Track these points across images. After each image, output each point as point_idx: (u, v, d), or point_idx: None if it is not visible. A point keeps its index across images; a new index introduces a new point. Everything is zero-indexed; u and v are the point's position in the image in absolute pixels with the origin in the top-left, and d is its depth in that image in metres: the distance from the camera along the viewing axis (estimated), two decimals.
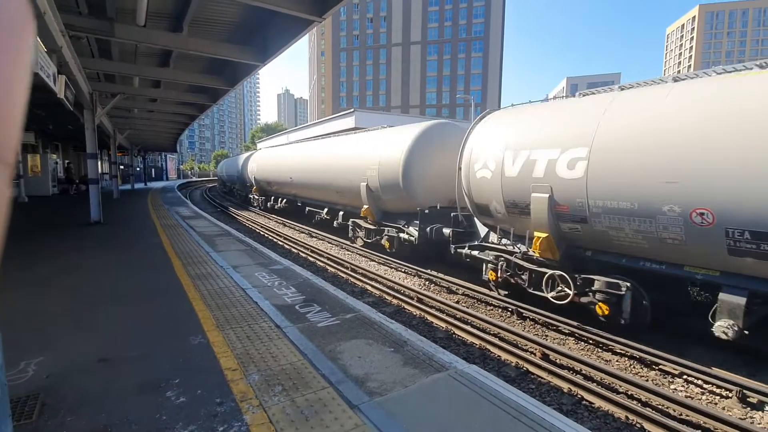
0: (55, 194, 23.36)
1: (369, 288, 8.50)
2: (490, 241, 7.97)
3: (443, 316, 6.76)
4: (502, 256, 7.43)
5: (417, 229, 9.48)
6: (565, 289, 6.32)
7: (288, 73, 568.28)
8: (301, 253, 11.94)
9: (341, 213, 13.51)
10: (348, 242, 12.97)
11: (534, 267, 6.81)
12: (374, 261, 10.91)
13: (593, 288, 5.96)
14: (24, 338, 3.87)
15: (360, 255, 11.66)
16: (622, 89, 6.09)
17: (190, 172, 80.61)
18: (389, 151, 10.35)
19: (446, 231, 8.96)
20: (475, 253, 8.01)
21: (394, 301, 7.70)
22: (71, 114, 12.06)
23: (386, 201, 10.67)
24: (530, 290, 6.92)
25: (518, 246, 7.10)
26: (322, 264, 10.62)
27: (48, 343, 3.81)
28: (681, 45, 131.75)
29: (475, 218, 8.41)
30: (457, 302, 7.71)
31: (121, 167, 33.69)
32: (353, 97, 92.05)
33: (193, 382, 3.13)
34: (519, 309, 6.99)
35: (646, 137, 5.11)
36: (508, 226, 7.38)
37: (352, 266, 10.07)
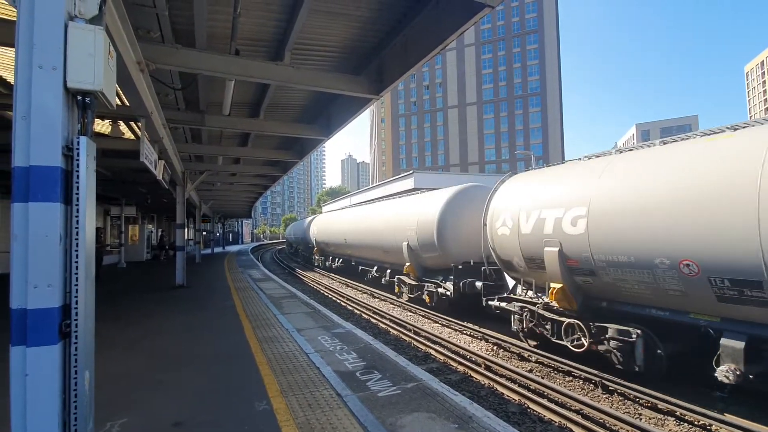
0: (148, 259, 26.24)
1: (433, 353, 8.15)
2: (516, 293, 8.41)
3: (515, 386, 6.20)
4: (526, 307, 7.81)
5: (452, 283, 10.27)
6: (581, 337, 6.60)
7: (351, 137, 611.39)
8: (363, 315, 11.93)
9: (388, 270, 14.52)
10: (394, 297, 13.82)
11: (554, 316, 7.11)
12: (437, 323, 10.55)
13: (607, 336, 6.24)
14: (112, 399, 4.21)
15: (422, 317, 11.36)
16: (620, 152, 6.76)
17: (262, 236, 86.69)
18: (425, 212, 11.45)
19: (478, 284, 9.70)
20: (503, 304, 8.47)
21: (460, 368, 7.26)
22: (166, 190, 13.89)
23: (425, 258, 11.70)
24: (553, 339, 7.15)
25: (541, 297, 7.50)
26: (384, 326, 10.48)
27: (131, 405, 4.10)
28: (764, 82, 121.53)
29: (504, 272, 8.92)
30: (530, 371, 7.06)
31: (204, 233, 37.29)
32: (412, 158, 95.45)
33: None
34: (604, 381, 6.22)
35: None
36: (530, 278, 7.81)
37: (415, 328, 9.81)
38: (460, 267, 10.24)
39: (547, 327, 7.26)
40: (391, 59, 7.56)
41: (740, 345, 4.71)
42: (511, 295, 8.41)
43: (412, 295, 12.49)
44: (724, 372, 4.75)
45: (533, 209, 7.29)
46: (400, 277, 13.14)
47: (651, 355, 5.78)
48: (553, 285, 6.87)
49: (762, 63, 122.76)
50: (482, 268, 9.52)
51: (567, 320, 6.86)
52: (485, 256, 9.24)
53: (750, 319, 4.75)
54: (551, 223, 6.80)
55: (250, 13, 6.22)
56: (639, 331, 5.81)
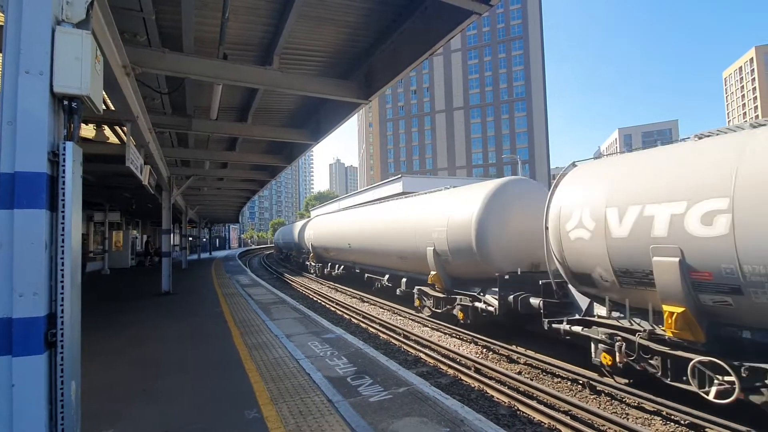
0: (132, 266, 25.72)
1: (422, 356, 8.16)
2: (595, 314, 6.62)
3: (505, 389, 6.25)
4: (618, 335, 5.98)
5: (496, 297, 8.44)
6: (724, 381, 4.73)
7: (339, 142, 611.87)
8: (353, 320, 11.89)
9: (404, 280, 12.53)
10: (413, 311, 11.77)
11: (668, 350, 5.33)
12: (427, 327, 10.57)
13: None
14: (98, 409, 4.12)
15: (411, 320, 11.37)
16: (754, 127, 5.14)
17: (249, 241, 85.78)
18: (460, 210, 9.66)
19: (535, 301, 7.74)
20: (576, 328, 6.66)
21: (450, 372, 7.29)
22: (152, 195, 13.66)
23: (457, 266, 9.90)
24: (666, 381, 5.35)
25: (638, 322, 5.83)
26: (374, 330, 10.46)
27: (119, 415, 4.02)
28: (742, 87, 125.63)
29: (570, 286, 7.16)
30: (519, 373, 7.14)
31: (190, 239, 36.73)
32: (400, 163, 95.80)
33: None
34: (591, 382, 6.32)
35: None
36: (618, 296, 6.09)
37: (405, 332, 9.82)
38: (506, 277, 8.34)
39: (655, 363, 5.55)
40: (380, 64, 7.62)
41: None
42: (590, 318, 6.63)
43: (438, 310, 10.60)
44: None
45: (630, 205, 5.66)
46: (423, 288, 11.26)
47: None
48: (669, 308, 5.21)
49: (740, 69, 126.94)
50: (541, 281, 7.74)
51: (695, 357, 5.03)
52: (549, 267, 7.36)
53: None
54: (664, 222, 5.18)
55: (238, 18, 6.20)
56: None
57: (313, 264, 23.16)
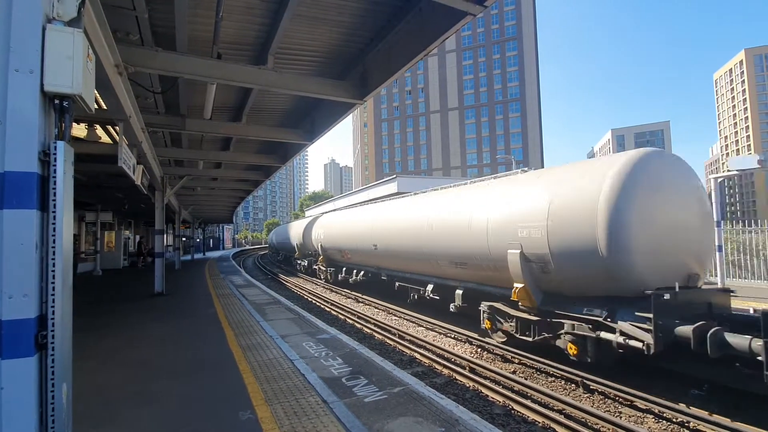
0: (125, 267, 25.48)
1: (417, 356, 8.17)
2: None
3: (499, 388, 6.27)
4: None
5: (648, 327, 5.34)
6: None
7: (334, 142, 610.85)
8: (347, 320, 11.87)
9: (459, 292, 9.55)
10: (477, 332, 8.92)
11: None
12: (422, 327, 10.58)
13: None
14: (91, 412, 4.07)
15: (408, 321, 11.37)
16: None
17: (244, 241, 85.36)
18: (572, 193, 6.53)
19: (740, 341, 4.63)
20: None
21: (445, 372, 7.30)
22: (144, 195, 13.55)
23: (564, 277, 6.69)
24: None
25: None
26: (368, 331, 10.45)
27: (112, 417, 3.98)
28: (732, 89, 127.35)
29: None
30: (514, 372, 7.16)
31: (183, 239, 36.44)
32: (395, 163, 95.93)
33: None
34: (585, 381, 6.36)
35: None
36: None
37: (399, 332, 9.82)
38: (666, 297, 5.37)
39: None
40: (375, 65, 7.62)
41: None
42: None
43: (526, 337, 7.41)
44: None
45: None
46: (495, 305, 8.19)
47: None
48: None
49: (730, 71, 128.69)
50: (753, 309, 4.89)
51: None
52: None
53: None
54: None
55: (232, 17, 6.17)
56: None
57: (323, 269, 19.86)
